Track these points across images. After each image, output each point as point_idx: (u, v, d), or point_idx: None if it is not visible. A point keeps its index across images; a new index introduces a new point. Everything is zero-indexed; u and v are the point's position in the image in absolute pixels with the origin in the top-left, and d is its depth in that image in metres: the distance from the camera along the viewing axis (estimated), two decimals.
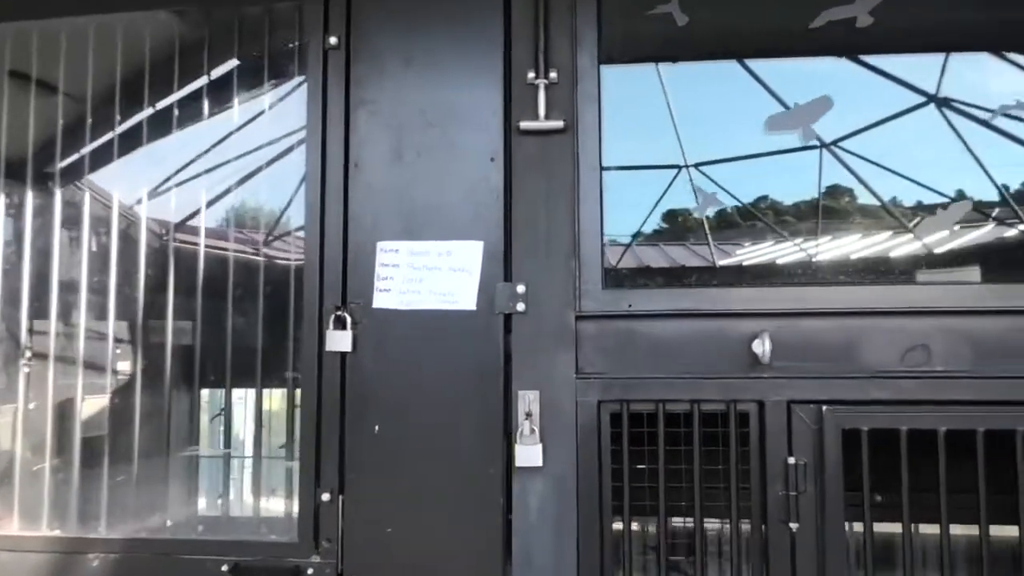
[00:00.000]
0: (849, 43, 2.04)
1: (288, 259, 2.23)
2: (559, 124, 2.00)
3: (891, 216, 2.11)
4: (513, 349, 1.97)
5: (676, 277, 2.14)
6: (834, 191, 2.06)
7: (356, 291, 2.05)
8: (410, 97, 2.08)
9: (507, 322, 1.99)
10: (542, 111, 2.01)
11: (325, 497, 2.01)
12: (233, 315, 2.24)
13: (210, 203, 2.29)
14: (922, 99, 2.11)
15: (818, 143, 2.09)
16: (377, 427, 2.00)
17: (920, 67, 2.11)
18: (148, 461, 2.26)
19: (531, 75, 2.04)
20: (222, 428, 2.30)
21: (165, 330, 2.29)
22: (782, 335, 1.93)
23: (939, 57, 2.10)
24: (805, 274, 2.11)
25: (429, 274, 2.01)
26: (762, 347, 1.91)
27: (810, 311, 1.94)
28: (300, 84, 2.20)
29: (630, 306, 1.97)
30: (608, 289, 1.99)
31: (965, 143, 2.08)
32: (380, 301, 2.02)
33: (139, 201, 2.36)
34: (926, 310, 1.92)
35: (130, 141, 2.36)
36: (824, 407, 1.89)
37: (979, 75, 2.14)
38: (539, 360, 1.97)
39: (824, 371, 1.92)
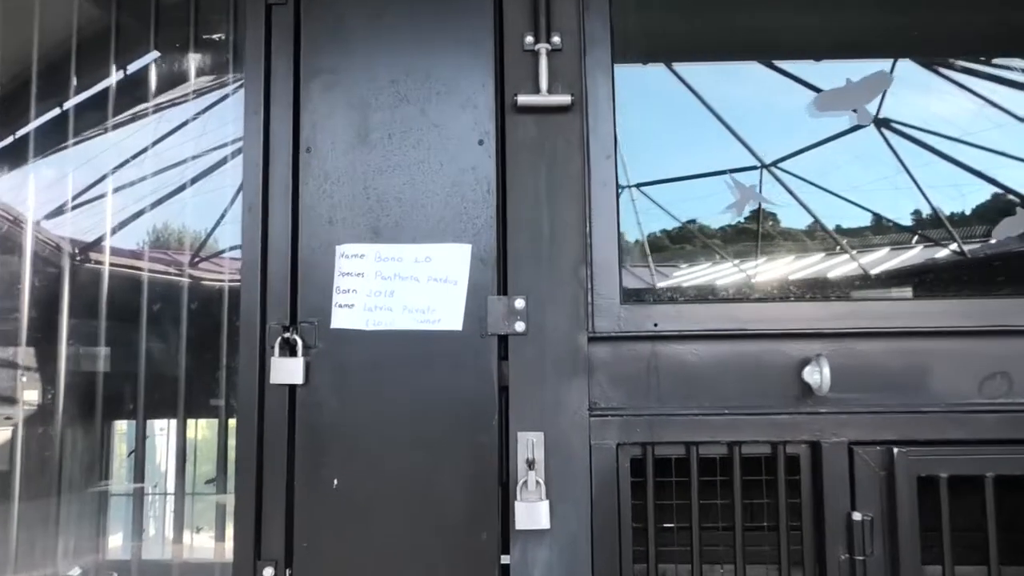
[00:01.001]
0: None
1: (221, 277, 1.81)
2: (565, 99, 1.61)
3: (950, 222, 1.79)
4: (510, 380, 1.57)
5: (709, 289, 1.77)
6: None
7: (309, 307, 1.61)
8: (378, 65, 1.67)
9: (502, 346, 1.59)
10: (544, 83, 1.63)
11: (268, 573, 1.57)
12: (153, 340, 1.80)
13: (121, 224, 1.87)
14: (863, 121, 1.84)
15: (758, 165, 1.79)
16: (336, 481, 1.56)
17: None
18: (55, 499, 1.84)
19: (529, 39, 1.65)
20: (142, 461, 1.86)
21: (70, 356, 1.86)
22: (837, 360, 1.57)
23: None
24: (862, 285, 1.76)
25: (403, 286, 1.60)
26: (817, 375, 1.56)
27: (869, 330, 1.59)
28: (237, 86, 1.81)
29: (656, 325, 1.59)
30: (628, 304, 1.60)
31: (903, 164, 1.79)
32: (340, 320, 1.60)
33: (38, 221, 1.92)
34: (1004, 329, 1.59)
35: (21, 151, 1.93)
36: (895, 449, 1.54)
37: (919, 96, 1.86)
38: (543, 393, 1.57)
39: (890, 404, 1.58)
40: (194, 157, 1.88)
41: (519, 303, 1.59)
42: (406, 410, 1.57)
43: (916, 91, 1.88)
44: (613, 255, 1.62)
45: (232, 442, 1.69)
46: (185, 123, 1.91)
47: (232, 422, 1.73)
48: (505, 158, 1.64)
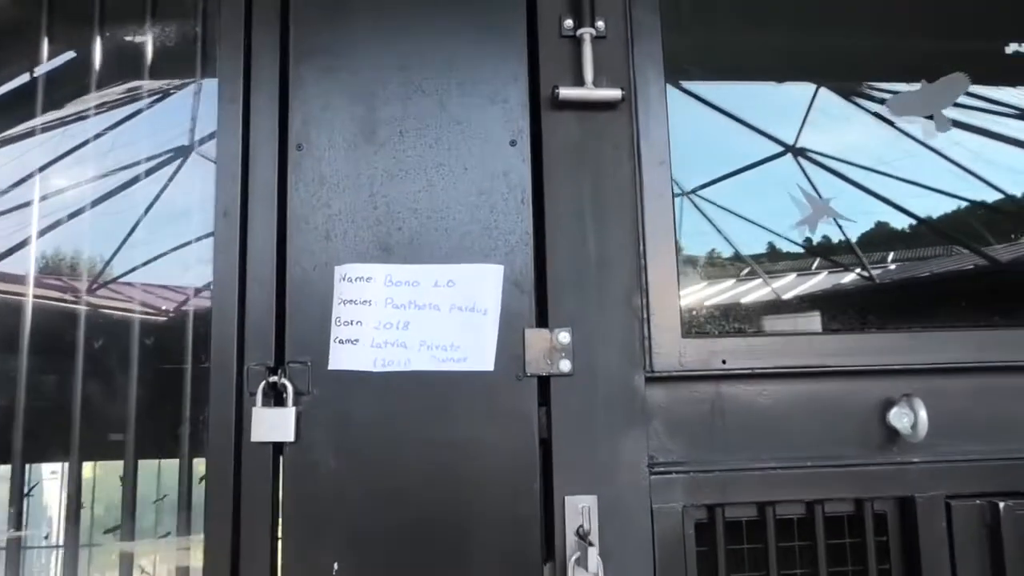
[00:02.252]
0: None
1: (167, 307, 1.45)
2: (615, 94, 1.36)
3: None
4: (553, 432, 1.28)
5: (777, 318, 1.54)
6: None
7: (301, 344, 1.28)
8: (388, 47, 1.38)
9: (543, 390, 1.31)
10: (588, 74, 1.37)
11: None
12: (85, 382, 1.42)
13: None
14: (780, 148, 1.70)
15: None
16: (336, 566, 1.24)
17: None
18: None
19: (568, 23, 1.40)
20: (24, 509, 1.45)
21: None
22: (929, 400, 1.36)
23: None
24: (953, 312, 1.56)
25: (420, 316, 1.30)
26: (908, 418, 1.35)
27: (964, 365, 1.40)
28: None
29: (724, 362, 1.35)
30: (691, 337, 1.36)
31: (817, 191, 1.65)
32: (341, 359, 1.28)
33: None
34: None
35: None
36: (1001, 503, 1.34)
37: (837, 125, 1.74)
38: (595, 447, 1.29)
39: (993, 451, 1.37)
40: (99, 177, 1.52)
41: (563, 337, 1.31)
42: (425, 473, 1.26)
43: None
44: (672, 278, 1.36)
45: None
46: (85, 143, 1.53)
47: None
48: (543, 162, 1.37)
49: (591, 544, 1.24)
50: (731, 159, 1.59)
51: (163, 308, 1.45)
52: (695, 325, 1.44)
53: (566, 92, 1.35)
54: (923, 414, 1.32)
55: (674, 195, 1.39)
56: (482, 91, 1.37)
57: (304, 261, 1.31)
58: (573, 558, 1.24)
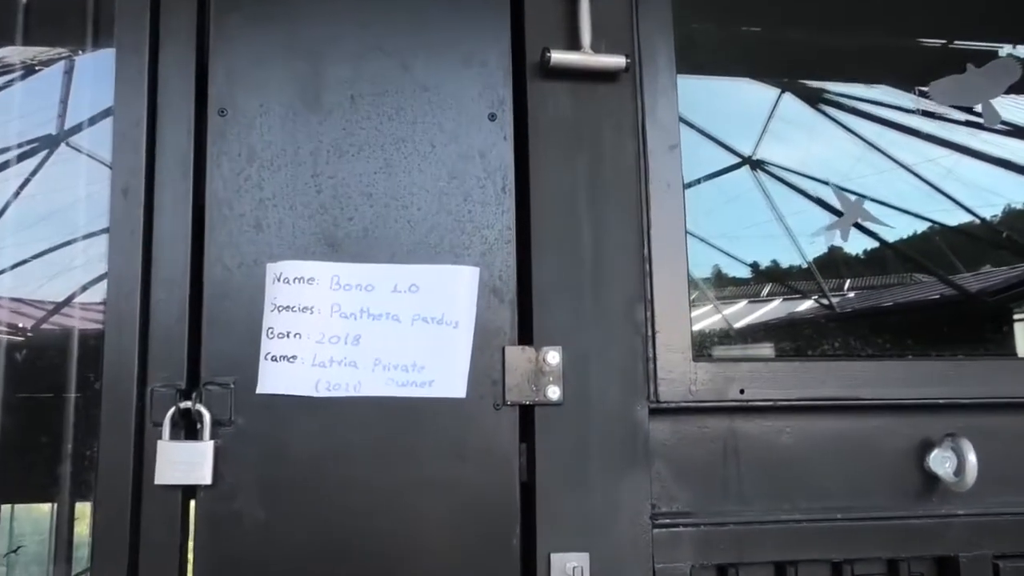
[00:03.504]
0: None
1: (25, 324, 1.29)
2: (618, 61, 1.26)
3: None
4: (538, 474, 1.19)
5: (799, 340, 1.46)
6: None
7: (221, 360, 1.15)
8: None
9: (526, 423, 1.21)
10: (586, 37, 1.27)
11: None
12: None
13: None
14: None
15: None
16: None
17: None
18: None
19: None
20: None
21: None
22: (975, 441, 1.30)
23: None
24: (999, 339, 1.52)
25: (375, 328, 1.18)
26: (952, 462, 1.29)
27: (1013, 400, 1.34)
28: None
29: (743, 392, 1.27)
30: (703, 361, 1.27)
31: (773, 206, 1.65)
32: (273, 380, 1.15)
33: None
34: None
35: None
36: None
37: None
38: (587, 493, 1.20)
39: None
40: None
41: (552, 357, 1.21)
42: (379, 525, 1.15)
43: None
44: (681, 288, 1.28)
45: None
46: None
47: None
48: (527, 142, 1.27)
49: None
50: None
51: (21, 326, 1.28)
52: (708, 346, 1.36)
53: (559, 57, 1.25)
54: (971, 458, 1.26)
55: (685, 186, 1.31)
56: (455, 52, 1.26)
57: (227, 257, 1.19)
58: None
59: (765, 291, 1.54)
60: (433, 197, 1.23)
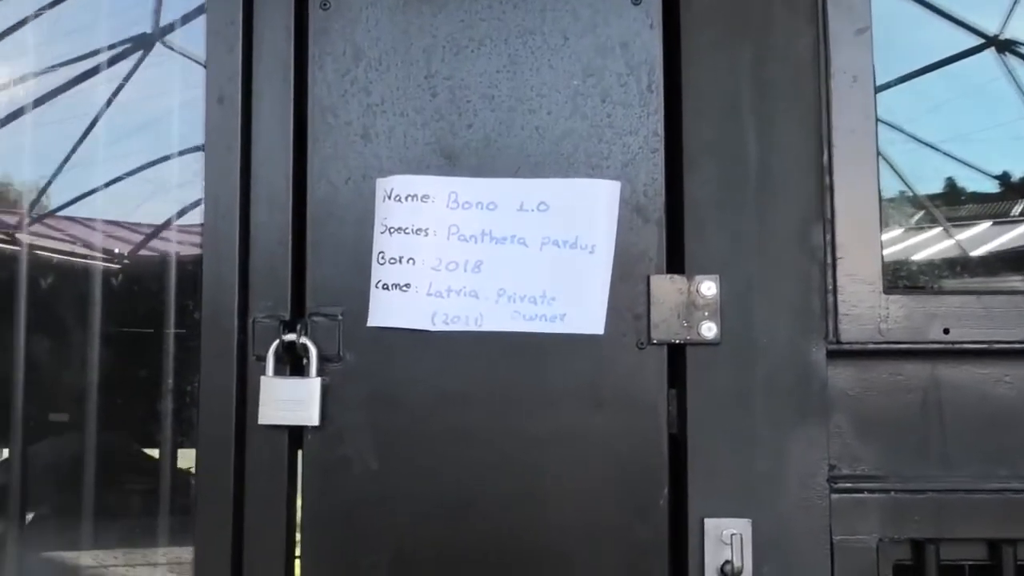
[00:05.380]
0: None
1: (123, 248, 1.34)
2: None
3: None
4: (690, 426, 1.15)
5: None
6: None
7: (328, 289, 1.18)
8: None
9: (676, 365, 1.17)
10: None
11: None
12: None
13: None
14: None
15: None
16: None
17: None
18: None
19: None
20: None
21: None
22: None
23: None
24: None
25: (498, 254, 1.17)
26: None
27: None
28: None
29: (947, 331, 1.17)
30: (897, 293, 1.18)
31: None
32: (385, 312, 1.16)
33: None
34: None
35: None
36: None
37: None
38: (749, 449, 1.15)
39: None
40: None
41: (707, 288, 1.15)
42: (502, 477, 1.15)
43: None
44: (871, 205, 1.19)
45: None
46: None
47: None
48: (679, 30, 1.20)
49: None
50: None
51: (117, 251, 1.33)
52: (904, 275, 1.27)
53: None
54: None
55: (877, 84, 1.20)
56: None
57: (332, 172, 1.19)
58: None
59: (1017, 209, 1.42)
60: (565, 99, 1.19)
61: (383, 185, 1.18)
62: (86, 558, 1.40)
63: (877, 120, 1.21)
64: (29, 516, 1.40)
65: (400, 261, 1.16)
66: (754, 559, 1.13)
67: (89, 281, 1.30)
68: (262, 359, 1.16)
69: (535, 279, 1.17)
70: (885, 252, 1.21)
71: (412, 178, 1.18)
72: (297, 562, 1.19)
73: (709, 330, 1.16)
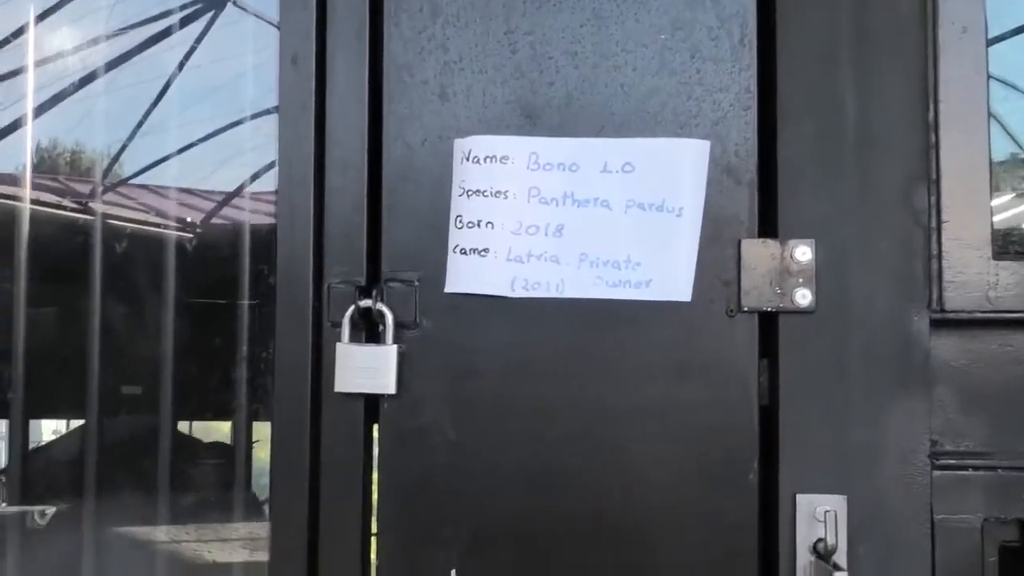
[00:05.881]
0: None
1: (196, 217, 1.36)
2: None
3: None
4: (782, 397, 1.14)
5: None
6: None
7: (405, 254, 1.18)
8: None
9: (768, 334, 1.15)
10: None
11: None
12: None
13: None
14: None
15: None
16: (454, 573, 1.14)
17: None
18: None
19: None
20: None
21: None
22: None
23: None
24: None
25: (581, 217, 1.15)
26: None
27: None
28: None
29: None
30: (1006, 260, 1.14)
31: None
32: (463, 277, 1.16)
33: None
34: None
35: None
36: None
37: None
38: (845, 422, 1.13)
39: None
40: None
41: (802, 253, 1.13)
42: (584, 450, 1.15)
43: None
44: (980, 164, 1.14)
45: None
46: None
47: None
48: None
49: (837, 568, 1.08)
50: None
51: (189, 220, 1.35)
52: (1015, 240, 1.22)
53: None
54: None
55: (989, 36, 1.15)
56: None
57: (408, 133, 1.19)
58: None
59: None
60: (652, 54, 1.16)
61: (461, 146, 1.17)
62: (159, 533, 1.44)
63: (988, 75, 1.16)
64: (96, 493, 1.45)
65: (478, 225, 1.16)
66: (849, 538, 1.11)
67: (163, 249, 1.33)
68: (337, 325, 1.16)
69: (619, 243, 1.15)
70: (995, 216, 1.17)
71: (491, 138, 1.17)
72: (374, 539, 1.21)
73: (804, 297, 1.13)
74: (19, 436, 1.37)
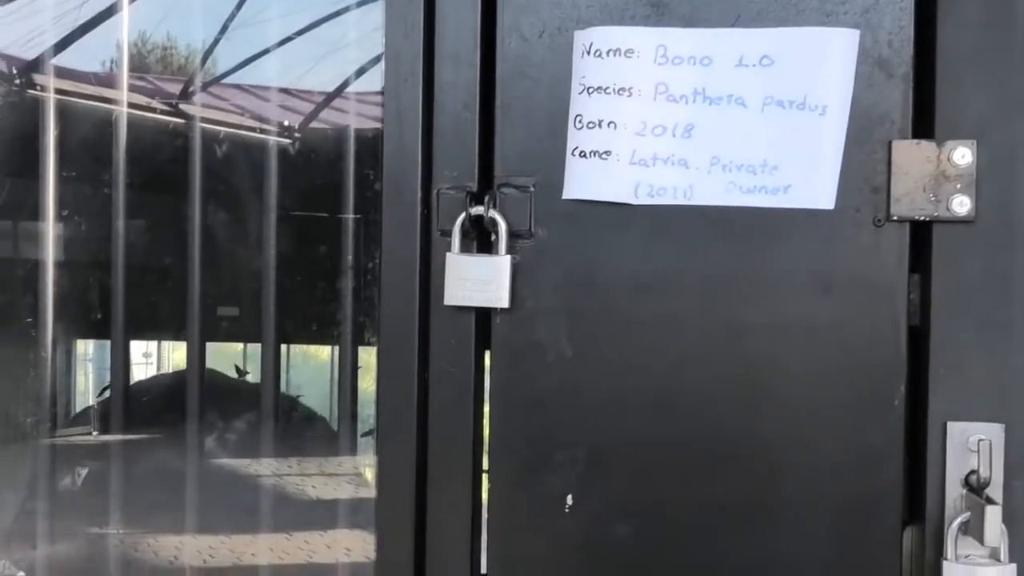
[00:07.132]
0: None
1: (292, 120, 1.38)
2: None
3: None
4: (934, 316, 1.12)
5: None
6: None
7: (519, 156, 1.19)
8: None
9: (920, 246, 1.13)
10: None
11: None
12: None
13: None
14: None
15: None
16: (571, 500, 1.17)
17: None
18: None
19: None
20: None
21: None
22: None
23: None
24: None
25: (713, 116, 1.14)
26: None
27: None
28: None
29: None
30: None
31: None
32: (583, 182, 1.16)
33: None
34: None
35: None
36: None
37: None
38: (1004, 345, 1.12)
39: None
40: None
41: (961, 156, 1.09)
42: (714, 371, 1.16)
43: None
44: None
45: None
46: None
47: None
48: None
49: (990, 502, 1.07)
50: None
51: (287, 124, 1.37)
52: None
53: None
54: None
55: None
56: None
57: (524, 24, 1.19)
58: (957, 522, 1.09)
59: None
60: None
61: (581, 38, 1.16)
62: (261, 467, 1.49)
63: None
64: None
65: (600, 125, 1.15)
66: (1006, 470, 1.10)
67: (262, 153, 1.35)
68: (447, 234, 1.18)
69: (755, 145, 1.13)
70: None
71: (615, 29, 1.15)
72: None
73: (962, 205, 1.10)
74: (120, 357, 1.43)
